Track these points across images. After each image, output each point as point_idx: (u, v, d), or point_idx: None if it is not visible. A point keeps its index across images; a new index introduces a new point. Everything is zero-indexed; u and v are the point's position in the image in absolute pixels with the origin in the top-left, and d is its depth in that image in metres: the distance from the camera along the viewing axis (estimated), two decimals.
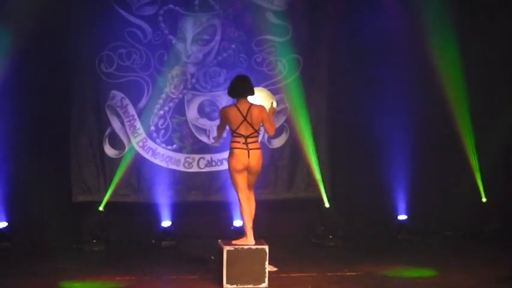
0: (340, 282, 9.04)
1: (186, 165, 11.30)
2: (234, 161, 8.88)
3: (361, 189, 11.73)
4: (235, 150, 8.87)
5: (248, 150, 8.86)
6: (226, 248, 8.68)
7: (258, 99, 9.11)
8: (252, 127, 8.89)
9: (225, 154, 11.00)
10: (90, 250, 10.78)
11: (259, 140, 9.17)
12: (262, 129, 9.07)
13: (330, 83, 11.51)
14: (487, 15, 11.50)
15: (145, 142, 11.22)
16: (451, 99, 11.52)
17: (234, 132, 8.91)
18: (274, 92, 11.32)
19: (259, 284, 8.67)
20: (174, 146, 11.29)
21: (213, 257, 9.56)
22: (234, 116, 8.88)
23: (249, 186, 9.03)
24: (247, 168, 8.90)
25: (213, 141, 10.36)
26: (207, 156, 11.34)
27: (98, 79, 11.09)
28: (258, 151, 8.95)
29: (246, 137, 8.87)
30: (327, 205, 11.40)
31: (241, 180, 8.92)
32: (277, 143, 11.47)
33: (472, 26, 11.48)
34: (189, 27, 11.19)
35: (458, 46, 11.43)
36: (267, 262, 8.70)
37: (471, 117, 11.54)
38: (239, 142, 8.87)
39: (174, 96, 11.26)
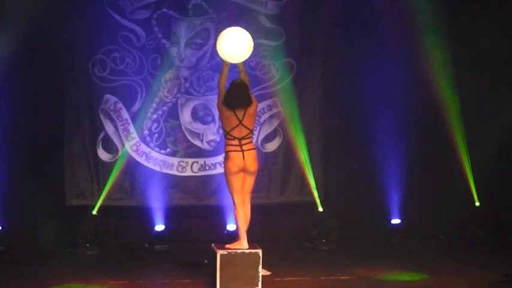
0: (333, 286, 9.04)
1: (180, 169, 11.29)
2: (229, 164, 8.82)
3: (354, 193, 11.71)
4: (230, 153, 8.81)
5: (243, 152, 8.81)
6: (219, 252, 8.66)
7: (237, 49, 8.86)
8: (247, 128, 8.84)
9: (219, 158, 11.07)
10: (84, 254, 10.77)
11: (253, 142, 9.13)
12: (255, 132, 9.02)
13: (323, 87, 11.50)
14: (482, 17, 11.46)
15: (138, 146, 11.21)
16: (445, 103, 11.53)
17: (227, 134, 8.84)
18: (267, 96, 11.39)
19: None
20: (168, 150, 11.27)
21: (206, 261, 9.55)
22: (229, 118, 8.83)
23: (247, 191, 8.94)
24: (243, 170, 8.83)
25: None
26: (201, 161, 11.33)
27: (92, 83, 11.07)
28: (253, 151, 8.88)
29: (240, 139, 8.82)
30: (320, 209, 11.40)
31: (237, 182, 8.86)
32: (271, 147, 11.46)
33: (465, 30, 11.49)
34: (183, 31, 11.19)
35: (452, 50, 11.44)
36: (260, 266, 8.68)
37: (464, 121, 11.54)
38: (233, 145, 8.81)
39: (167, 100, 11.25)
